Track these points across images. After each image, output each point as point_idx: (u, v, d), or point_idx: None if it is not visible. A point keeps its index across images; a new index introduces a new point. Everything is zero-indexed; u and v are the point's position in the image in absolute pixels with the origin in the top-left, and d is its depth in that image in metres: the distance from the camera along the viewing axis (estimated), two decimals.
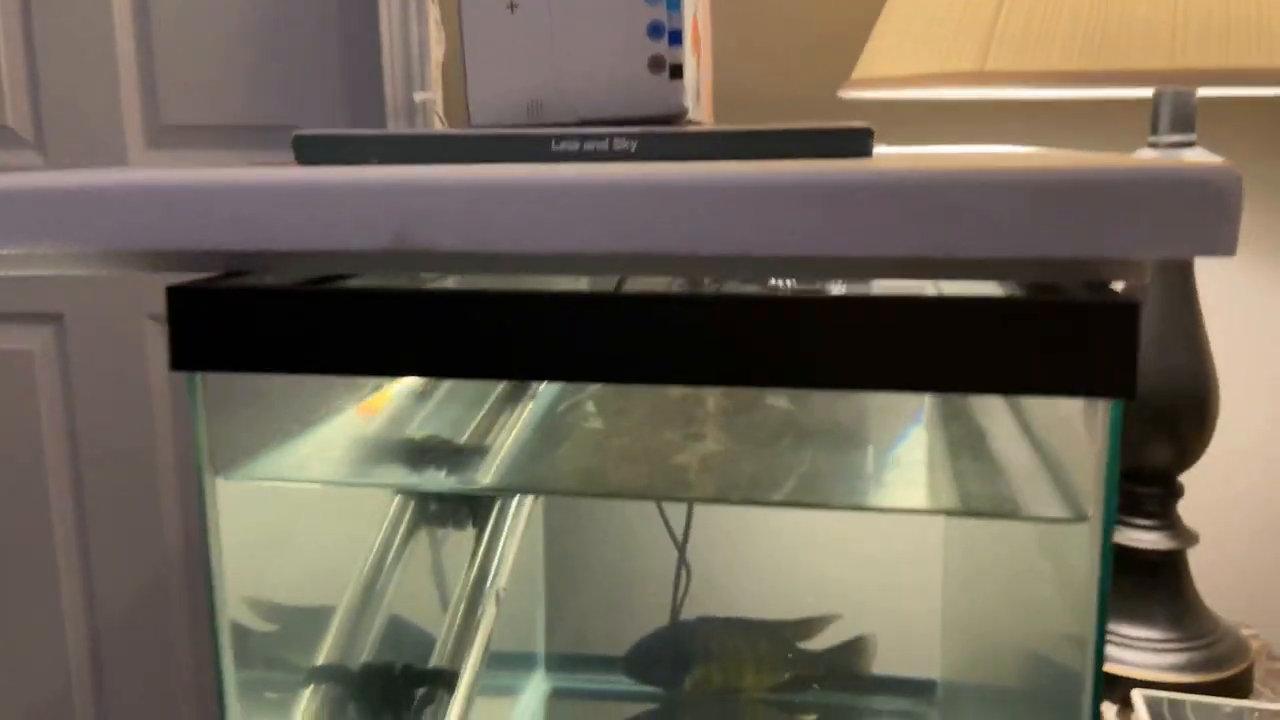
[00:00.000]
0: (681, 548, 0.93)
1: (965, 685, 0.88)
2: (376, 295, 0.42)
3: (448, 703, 0.59)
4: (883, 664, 0.91)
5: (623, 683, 0.95)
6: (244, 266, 0.45)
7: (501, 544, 0.68)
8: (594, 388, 0.66)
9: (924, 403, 0.63)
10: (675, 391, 0.67)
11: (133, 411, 1.38)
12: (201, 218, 0.41)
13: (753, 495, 0.49)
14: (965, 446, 0.55)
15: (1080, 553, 0.41)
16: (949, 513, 0.46)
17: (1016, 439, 0.51)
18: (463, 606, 0.64)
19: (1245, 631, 0.98)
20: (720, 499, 0.52)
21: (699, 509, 0.92)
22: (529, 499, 0.71)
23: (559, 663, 0.99)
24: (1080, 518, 0.39)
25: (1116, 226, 0.36)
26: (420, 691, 0.60)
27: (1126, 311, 0.36)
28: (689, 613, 0.93)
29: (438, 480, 0.52)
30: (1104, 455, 0.37)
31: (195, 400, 0.43)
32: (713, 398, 0.67)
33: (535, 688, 0.97)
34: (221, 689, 0.46)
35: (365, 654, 0.59)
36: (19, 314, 1.38)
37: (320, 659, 0.57)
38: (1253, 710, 0.85)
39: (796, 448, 0.55)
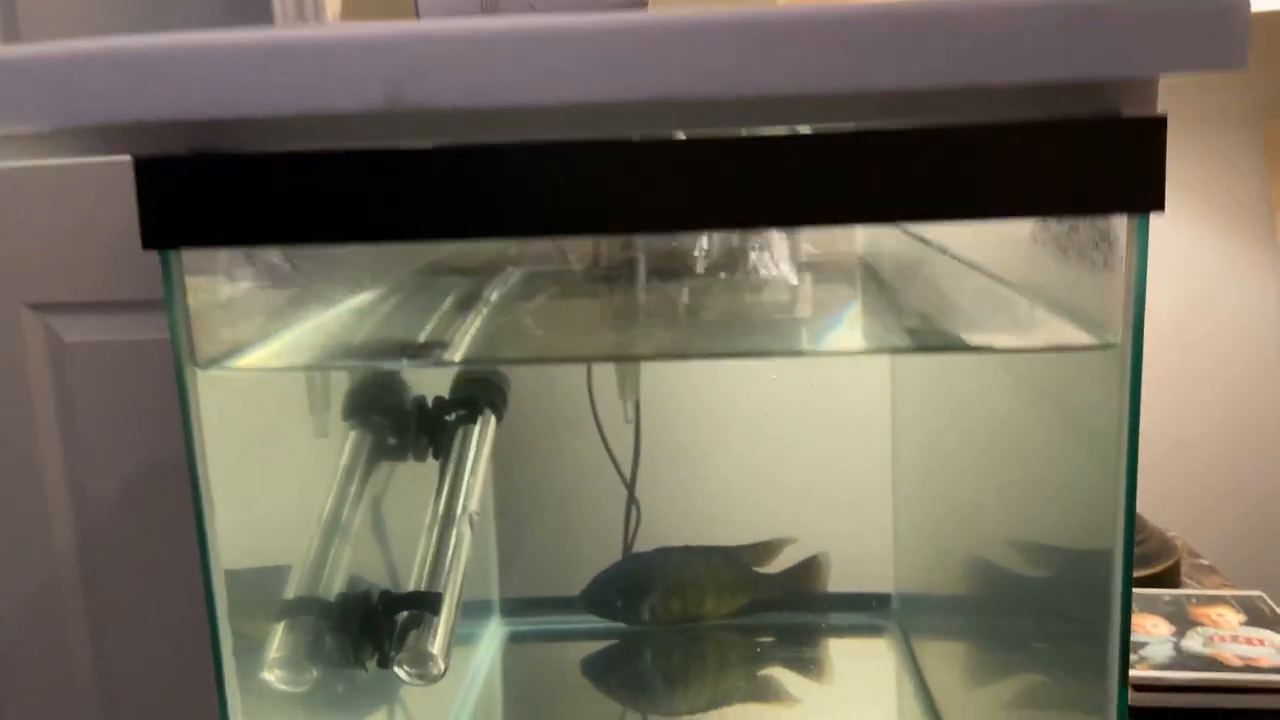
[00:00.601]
0: (630, 485, 0.92)
1: (926, 593, 0.89)
2: (358, 156, 0.39)
3: (432, 624, 0.56)
4: (837, 582, 0.92)
5: (580, 621, 0.93)
6: (213, 141, 0.42)
7: (468, 470, 0.65)
8: (540, 299, 0.64)
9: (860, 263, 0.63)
10: (617, 302, 0.65)
11: (12, 408, 1.29)
12: (178, 83, 0.37)
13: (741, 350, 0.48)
14: (944, 288, 0.55)
15: (1099, 390, 0.41)
16: (966, 350, 0.46)
17: (1006, 274, 0.51)
18: (436, 530, 0.61)
19: (1168, 533, 1.02)
20: (683, 355, 0.50)
21: (645, 450, 0.91)
22: (490, 429, 0.69)
23: (514, 607, 0.96)
24: (1107, 345, 0.39)
25: (1131, 44, 0.36)
26: (402, 616, 0.57)
27: (1155, 125, 0.36)
28: (641, 549, 0.92)
29: (403, 362, 0.50)
30: (1133, 275, 0.37)
31: (171, 281, 0.40)
32: (657, 299, 0.65)
33: (492, 633, 0.94)
34: (212, 604, 0.43)
35: (338, 586, 0.56)
36: None
37: (290, 594, 0.54)
38: (1189, 597, 0.88)
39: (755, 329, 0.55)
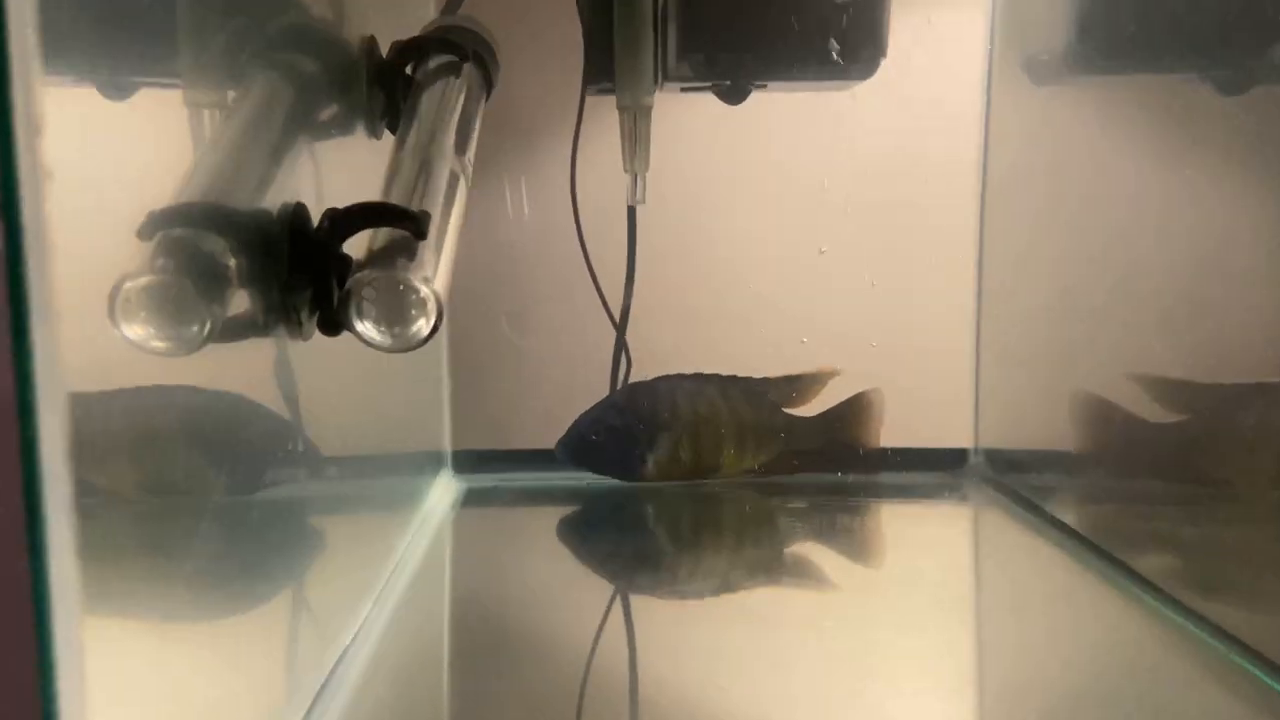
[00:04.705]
0: (620, 325, 0.70)
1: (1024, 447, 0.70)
2: None
3: (415, 250, 0.33)
4: (895, 431, 0.71)
5: (557, 480, 0.70)
6: None
7: (455, 115, 0.43)
8: None
9: None
10: None
11: None
12: None
13: None
14: None
15: None
16: None
17: None
18: (409, 164, 0.39)
19: None
20: None
21: (642, 259, 0.70)
22: (479, 100, 0.47)
23: (471, 460, 0.72)
24: None
25: None
26: (367, 245, 0.34)
27: None
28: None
29: None
30: None
31: None
32: None
33: (443, 490, 0.70)
34: None
35: (251, 201, 0.34)
36: None
37: (167, 202, 0.31)
38: None
39: None
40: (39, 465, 0.21)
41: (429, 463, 0.69)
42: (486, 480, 0.72)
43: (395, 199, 0.38)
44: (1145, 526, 0.56)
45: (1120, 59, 0.59)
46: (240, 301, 0.32)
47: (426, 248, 0.34)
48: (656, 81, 0.65)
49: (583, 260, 0.70)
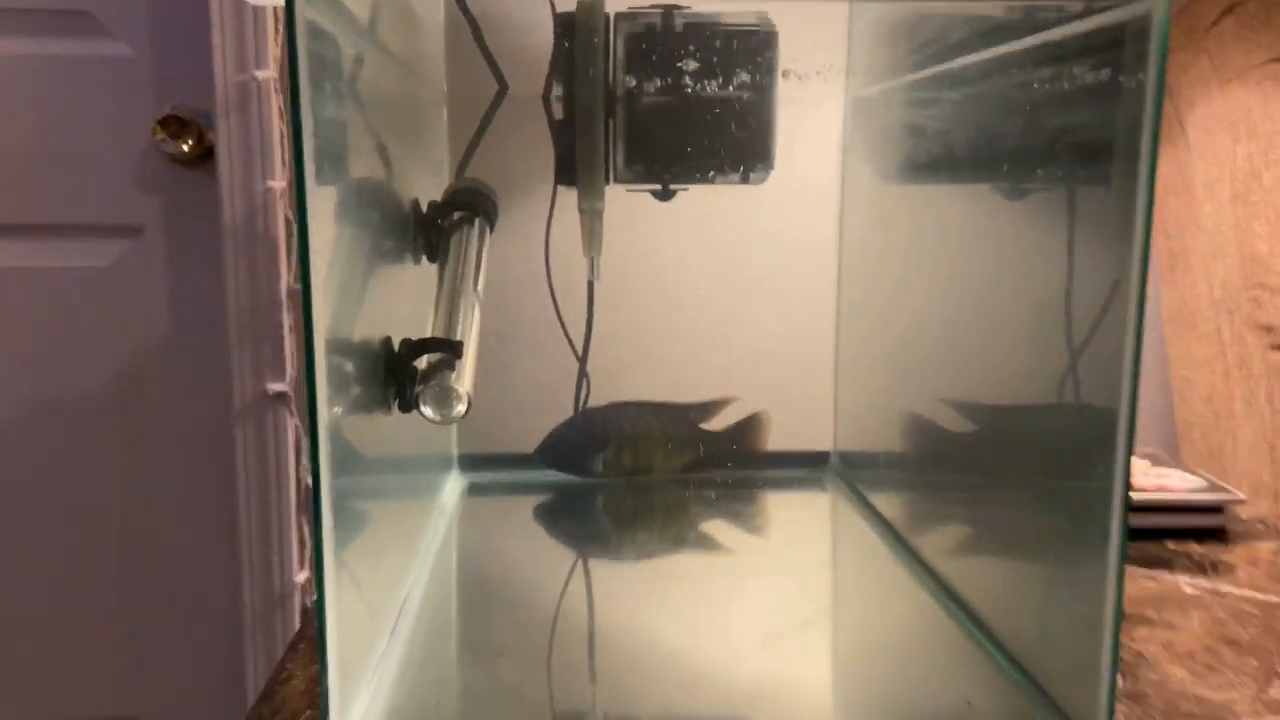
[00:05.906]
0: (582, 360, 0.96)
1: (868, 450, 0.96)
2: None
3: (455, 366, 0.59)
4: (778, 438, 0.98)
5: (535, 476, 0.96)
6: None
7: (472, 260, 0.68)
8: None
9: None
10: None
11: None
12: None
13: None
14: None
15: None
16: None
17: None
18: (446, 300, 0.64)
19: None
20: None
21: (598, 312, 0.95)
22: (485, 237, 0.72)
23: (472, 462, 0.98)
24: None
25: None
26: (424, 362, 0.59)
27: None
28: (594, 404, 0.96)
29: None
30: None
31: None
32: None
33: (452, 485, 0.96)
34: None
35: (355, 335, 0.58)
36: None
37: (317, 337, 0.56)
38: None
39: None
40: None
41: (444, 464, 0.95)
42: (484, 476, 0.98)
43: (439, 327, 0.63)
44: (927, 510, 0.82)
45: (935, 174, 0.82)
46: (359, 394, 0.58)
47: (461, 362, 0.60)
48: (608, 183, 0.90)
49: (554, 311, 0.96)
